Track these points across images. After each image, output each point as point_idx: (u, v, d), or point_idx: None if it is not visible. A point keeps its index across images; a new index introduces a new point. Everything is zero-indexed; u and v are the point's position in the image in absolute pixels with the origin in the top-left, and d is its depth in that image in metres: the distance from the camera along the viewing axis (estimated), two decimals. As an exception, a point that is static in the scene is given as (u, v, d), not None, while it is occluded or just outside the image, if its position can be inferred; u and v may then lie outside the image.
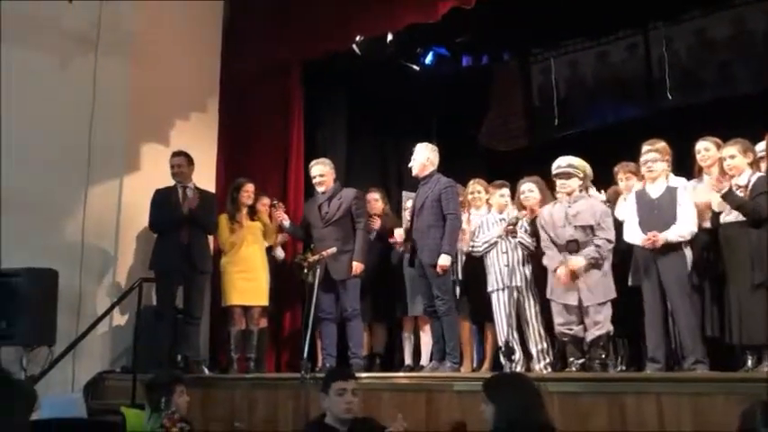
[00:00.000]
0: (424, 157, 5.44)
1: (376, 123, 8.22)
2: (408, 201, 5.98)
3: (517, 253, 5.19)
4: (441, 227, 5.23)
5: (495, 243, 5.26)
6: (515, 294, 5.13)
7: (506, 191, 5.45)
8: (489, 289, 5.24)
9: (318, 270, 5.36)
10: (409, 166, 5.52)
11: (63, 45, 6.15)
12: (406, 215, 5.85)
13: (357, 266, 5.58)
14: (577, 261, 4.73)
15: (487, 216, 5.54)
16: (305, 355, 4.91)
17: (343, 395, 3.39)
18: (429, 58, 8.23)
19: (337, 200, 5.74)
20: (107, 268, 6.22)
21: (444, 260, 5.15)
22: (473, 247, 5.39)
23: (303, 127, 7.21)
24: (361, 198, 5.90)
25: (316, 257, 5.51)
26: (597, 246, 4.75)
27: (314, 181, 5.85)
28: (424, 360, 5.82)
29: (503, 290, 5.14)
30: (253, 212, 6.19)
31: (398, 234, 5.83)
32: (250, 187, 6.18)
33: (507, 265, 5.12)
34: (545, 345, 5.06)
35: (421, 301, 5.53)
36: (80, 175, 6.10)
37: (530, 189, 5.31)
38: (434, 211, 5.26)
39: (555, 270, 4.82)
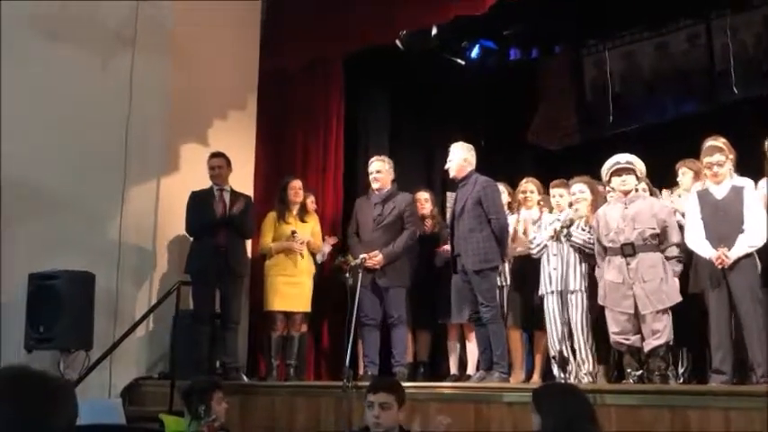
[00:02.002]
0: (460, 157, 5.41)
1: (420, 121, 8.20)
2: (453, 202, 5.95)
3: (571, 255, 5.11)
4: (483, 230, 5.19)
5: (546, 245, 5.19)
6: (568, 299, 5.06)
7: (564, 191, 5.34)
8: (540, 293, 5.19)
9: (360, 273, 5.39)
10: (446, 167, 5.50)
11: (101, 43, 6.26)
12: (449, 217, 5.83)
13: (376, 257, 5.53)
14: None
15: (544, 217, 5.48)
16: (347, 362, 4.92)
17: (371, 408, 3.38)
18: (475, 52, 8.16)
19: (392, 203, 5.75)
20: (145, 271, 6.32)
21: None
22: (530, 249, 5.34)
23: (344, 125, 7.24)
24: (415, 204, 5.93)
25: (357, 260, 5.54)
26: (675, 257, 4.70)
27: (370, 177, 5.86)
28: (471, 369, 5.79)
29: (553, 294, 5.07)
30: (303, 212, 6.21)
31: (447, 250, 5.78)
32: (296, 184, 6.22)
33: (556, 269, 5.06)
34: (589, 355, 4.98)
35: (466, 307, 5.50)
36: (118, 176, 6.20)
37: (580, 190, 5.24)
38: (475, 213, 5.22)
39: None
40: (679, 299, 4.67)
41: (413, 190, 6.19)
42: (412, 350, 6.14)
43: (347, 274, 5.66)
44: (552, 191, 5.36)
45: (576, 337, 5.01)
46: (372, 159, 5.95)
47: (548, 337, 5.16)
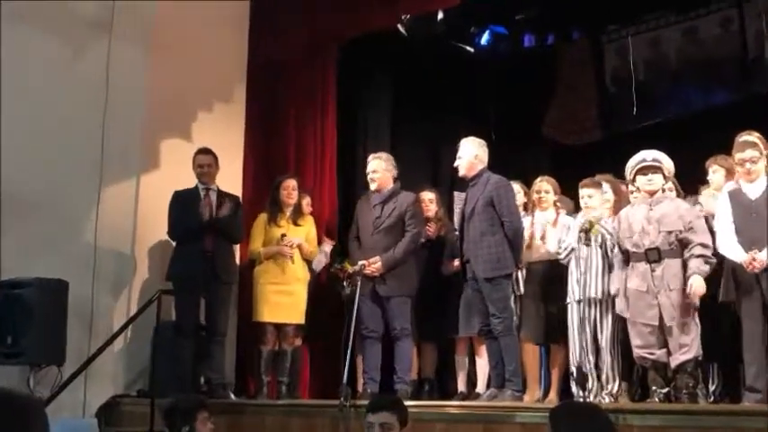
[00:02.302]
0: (471, 153, 5.41)
1: (424, 113, 8.22)
2: (461, 203, 5.96)
3: (597, 260, 5.12)
4: (495, 233, 5.21)
5: (573, 249, 5.21)
6: (592, 309, 5.07)
7: (594, 191, 5.29)
8: (567, 301, 5.21)
9: (359, 281, 5.41)
10: (455, 165, 5.51)
11: (74, 31, 6.27)
12: (457, 220, 5.84)
13: (375, 264, 5.55)
14: (697, 281, 4.60)
15: (574, 219, 5.48)
16: (345, 378, 4.93)
17: (371, 429, 3.40)
18: (485, 39, 8.20)
19: (392, 204, 5.75)
20: (123, 279, 6.32)
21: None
22: (558, 254, 5.36)
23: (341, 118, 7.26)
24: (418, 204, 5.92)
25: (356, 267, 5.56)
26: (701, 256, 4.65)
27: (368, 177, 5.88)
28: (481, 387, 5.80)
29: (579, 303, 5.09)
30: (297, 215, 6.24)
31: (456, 266, 5.77)
32: (290, 183, 6.25)
33: (584, 274, 5.06)
34: (616, 372, 4.99)
35: (476, 319, 5.50)
36: (93, 175, 6.20)
37: (588, 195, 5.24)
38: (487, 215, 5.24)
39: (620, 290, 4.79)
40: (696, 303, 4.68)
41: (417, 189, 6.20)
42: (416, 366, 6.15)
43: (344, 283, 5.67)
44: (582, 191, 5.32)
45: (603, 353, 5.01)
46: (370, 158, 5.97)
47: (570, 350, 5.15)
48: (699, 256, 4.65)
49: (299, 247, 6.19)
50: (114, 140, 6.28)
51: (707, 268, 4.65)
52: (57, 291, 5.65)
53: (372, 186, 5.84)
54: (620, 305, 4.88)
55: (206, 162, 6.10)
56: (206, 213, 5.99)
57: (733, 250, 4.61)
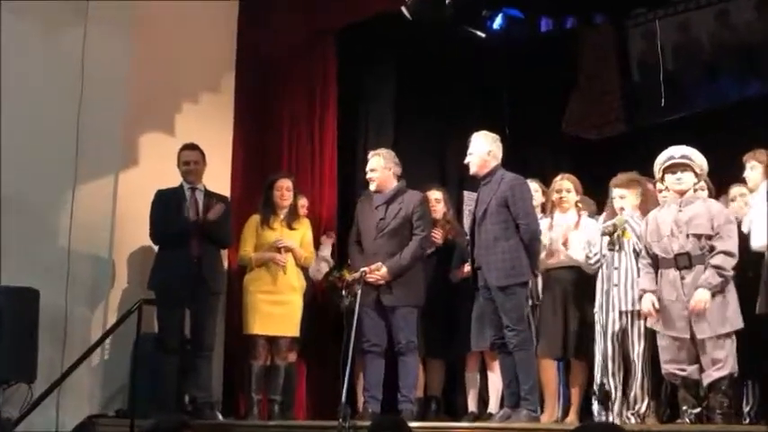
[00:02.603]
0: (483, 149, 5.41)
1: (431, 106, 8.21)
2: (472, 203, 5.96)
3: (627, 267, 5.12)
4: (510, 238, 5.21)
5: (605, 256, 5.20)
6: (621, 321, 5.07)
7: (627, 191, 5.27)
8: (594, 311, 5.22)
9: (360, 290, 5.41)
10: (466, 162, 5.51)
11: (45, 10, 6.27)
12: (468, 222, 5.84)
13: (380, 270, 5.55)
14: (702, 295, 4.62)
15: (597, 221, 5.51)
16: (344, 397, 4.93)
17: None
18: (498, 22, 8.17)
19: (397, 204, 5.74)
20: (100, 287, 6.31)
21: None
22: (589, 260, 5.37)
23: (340, 110, 7.26)
24: (426, 204, 5.90)
25: (356, 275, 5.56)
26: (716, 267, 4.65)
27: (366, 176, 5.90)
28: (493, 406, 5.81)
29: (607, 314, 5.06)
30: (292, 217, 6.25)
31: (467, 272, 5.78)
32: (285, 183, 6.25)
33: (617, 285, 5.04)
34: (646, 391, 4.99)
35: (488, 331, 5.50)
36: (66, 172, 6.21)
37: (620, 195, 5.25)
38: (501, 217, 5.24)
39: (649, 308, 4.78)
40: (740, 325, 4.67)
41: (423, 189, 6.19)
42: (422, 383, 6.14)
43: (343, 293, 5.67)
44: (614, 191, 5.32)
45: (634, 369, 5.00)
46: (369, 155, 5.97)
47: (596, 365, 5.14)
48: (714, 267, 4.65)
49: (292, 251, 6.18)
50: (90, 134, 6.27)
51: (718, 282, 4.64)
52: (26, 300, 5.66)
53: (372, 186, 5.84)
54: (645, 312, 4.87)
55: (192, 159, 6.10)
56: (192, 215, 5.99)
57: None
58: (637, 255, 5.06)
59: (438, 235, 6.16)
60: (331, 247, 6.71)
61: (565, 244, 5.49)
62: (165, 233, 6.03)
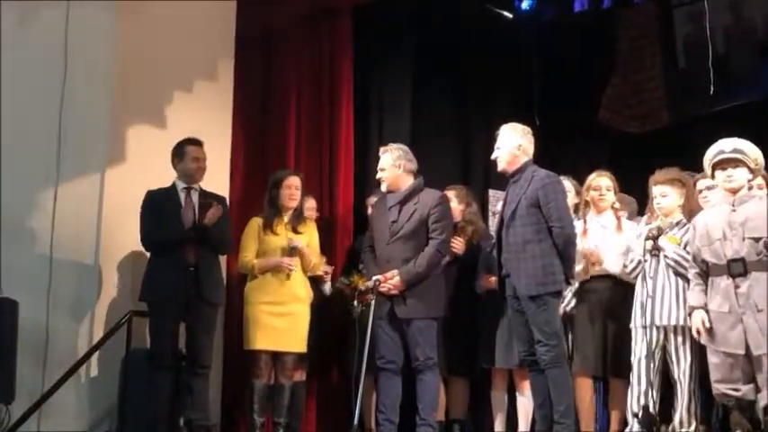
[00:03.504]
0: (512, 143, 5.41)
1: (454, 93, 8.21)
2: (498, 203, 5.96)
3: (669, 278, 5.13)
4: (542, 241, 5.21)
5: (641, 262, 5.21)
6: (663, 335, 5.07)
7: (670, 188, 5.29)
8: (631, 325, 5.20)
9: (373, 300, 5.40)
10: (493, 157, 5.50)
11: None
12: (493, 225, 5.83)
13: (394, 279, 5.55)
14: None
15: (637, 224, 5.50)
16: (356, 420, 4.93)
17: None
18: (527, 2, 8.19)
19: (412, 204, 5.73)
20: (85, 298, 6.29)
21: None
22: (626, 268, 5.33)
23: (354, 98, 7.28)
24: (446, 204, 5.86)
25: (368, 283, 5.56)
26: None
27: (377, 176, 5.91)
28: (523, 430, 5.81)
29: (646, 329, 5.08)
30: (298, 221, 6.27)
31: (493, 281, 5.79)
32: (293, 181, 6.24)
33: (651, 296, 5.04)
34: (693, 414, 5.01)
35: (518, 346, 5.50)
36: (48, 170, 6.22)
37: (662, 194, 5.25)
38: (532, 219, 5.24)
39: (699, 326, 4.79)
40: None
41: (442, 187, 6.19)
42: (443, 404, 6.15)
43: (354, 303, 5.67)
44: (655, 189, 5.32)
45: (679, 389, 5.00)
46: (380, 150, 5.96)
47: (631, 385, 5.14)
48: None
49: (302, 255, 6.18)
50: (73, 128, 6.28)
51: None
52: (4, 312, 5.67)
53: (382, 187, 5.86)
54: (695, 327, 4.87)
55: (203, 156, 6.12)
56: (188, 218, 6.00)
57: None
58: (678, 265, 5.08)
59: (458, 244, 6.14)
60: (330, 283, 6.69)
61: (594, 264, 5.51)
62: (158, 238, 6.02)
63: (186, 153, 6.11)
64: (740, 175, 4.86)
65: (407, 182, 5.80)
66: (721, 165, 4.89)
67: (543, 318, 5.17)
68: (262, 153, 7.23)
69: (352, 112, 7.26)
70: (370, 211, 6.39)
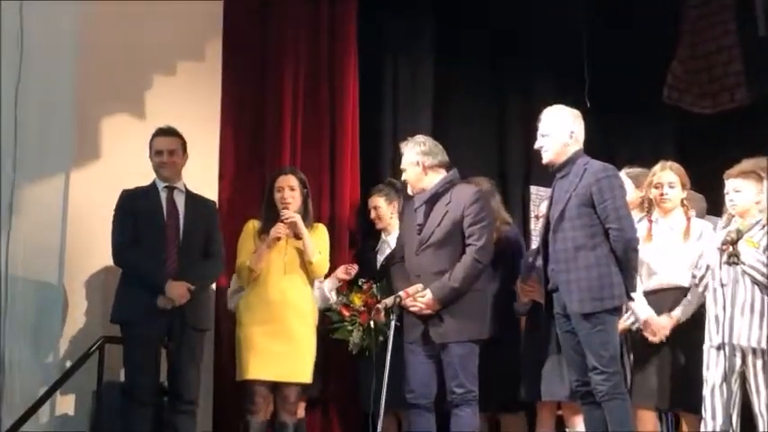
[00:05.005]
0: (561, 131, 5.39)
1: (484, 71, 8.21)
2: (543, 203, 5.95)
3: (748, 289, 5.12)
4: (597, 247, 5.20)
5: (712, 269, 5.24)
6: (740, 360, 5.07)
7: (741, 183, 5.29)
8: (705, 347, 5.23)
9: (393, 320, 5.38)
10: (536, 147, 5.48)
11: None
12: (536, 227, 5.80)
13: (426, 297, 5.54)
14: None
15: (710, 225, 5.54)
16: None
17: None
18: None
19: (442, 205, 5.72)
20: (47, 322, 6.32)
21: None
22: (694, 278, 5.37)
23: (361, 73, 7.34)
24: (483, 200, 5.82)
25: (387, 300, 5.53)
26: None
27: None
28: (576, 474, 5.83)
29: (717, 350, 5.08)
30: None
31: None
32: (290, 181, 6.25)
33: (729, 310, 5.00)
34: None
35: (569, 374, 5.50)
36: (2, 172, 6.24)
37: (735, 189, 5.24)
38: (584, 221, 5.23)
39: None
40: None
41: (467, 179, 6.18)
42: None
43: (349, 327, 5.69)
44: (728, 183, 5.33)
45: (761, 423, 5.00)
46: (402, 145, 5.99)
47: (704, 420, 5.15)
48: None
49: (297, 233, 6.14)
50: (33, 120, 6.29)
51: None
52: (-48, 340, 5.70)
53: (408, 190, 5.90)
54: None
55: (167, 147, 6.06)
56: (170, 224, 5.96)
57: None
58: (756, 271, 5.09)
59: None
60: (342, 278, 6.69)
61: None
62: (130, 262, 5.96)
63: (151, 146, 6.09)
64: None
65: (434, 179, 5.79)
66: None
67: (599, 339, 5.16)
68: (255, 145, 7.25)
69: (356, 94, 7.29)
70: (372, 214, 6.49)
